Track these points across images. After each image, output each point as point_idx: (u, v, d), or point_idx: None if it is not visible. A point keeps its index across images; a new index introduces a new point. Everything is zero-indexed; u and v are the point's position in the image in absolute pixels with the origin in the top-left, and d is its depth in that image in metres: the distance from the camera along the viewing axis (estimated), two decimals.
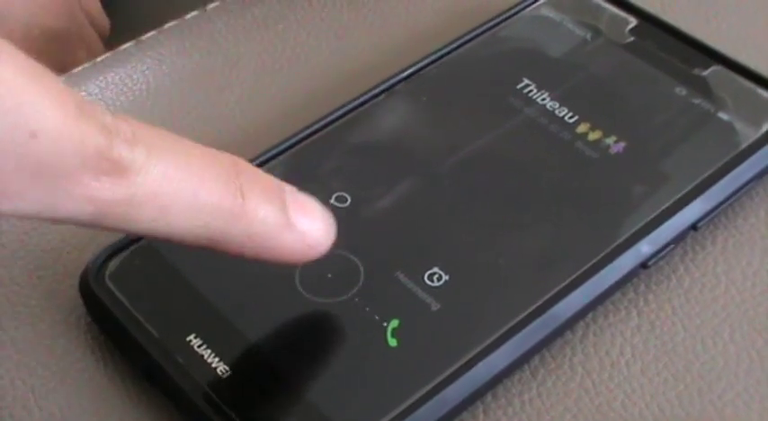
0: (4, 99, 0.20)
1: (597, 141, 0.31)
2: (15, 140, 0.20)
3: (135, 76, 0.36)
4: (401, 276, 0.28)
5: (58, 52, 0.50)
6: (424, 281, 0.28)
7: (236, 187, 0.24)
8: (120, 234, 0.30)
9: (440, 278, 0.28)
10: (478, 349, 0.26)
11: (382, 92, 0.33)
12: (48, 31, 0.49)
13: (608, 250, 0.28)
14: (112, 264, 0.29)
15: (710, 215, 0.30)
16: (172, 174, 0.22)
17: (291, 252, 0.25)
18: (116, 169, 0.21)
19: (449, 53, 0.34)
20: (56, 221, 0.22)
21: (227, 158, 0.24)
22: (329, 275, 0.28)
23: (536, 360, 0.28)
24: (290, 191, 0.25)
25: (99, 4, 0.54)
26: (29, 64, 0.21)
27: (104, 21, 0.54)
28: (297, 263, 0.25)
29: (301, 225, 0.25)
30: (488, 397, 0.27)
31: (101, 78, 0.36)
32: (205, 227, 0.23)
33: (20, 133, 0.20)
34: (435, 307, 0.27)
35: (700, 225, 0.30)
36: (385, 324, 0.27)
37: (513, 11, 0.35)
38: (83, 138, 0.21)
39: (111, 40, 0.53)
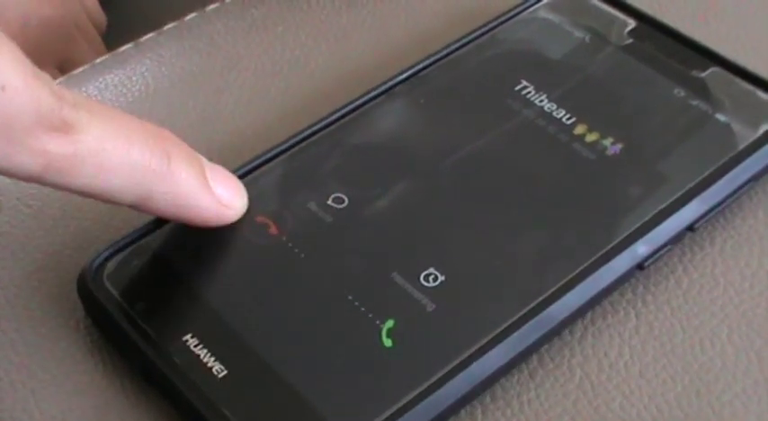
0: None
1: (594, 143, 0.31)
2: None
3: (134, 78, 0.36)
4: (397, 277, 0.28)
5: (57, 43, 0.50)
6: (419, 281, 0.28)
7: (162, 150, 0.27)
8: (115, 234, 0.30)
9: (435, 279, 0.28)
10: (473, 350, 0.26)
11: (381, 94, 0.33)
12: (46, 21, 0.49)
13: (603, 251, 0.28)
14: (110, 265, 0.29)
15: (707, 216, 0.30)
16: (109, 135, 0.26)
17: (209, 212, 0.28)
18: (64, 126, 0.25)
19: (447, 55, 0.34)
20: (5, 173, 0.25)
21: (152, 127, 0.27)
22: (326, 275, 0.28)
23: (534, 361, 0.28)
24: (205, 160, 0.29)
25: (96, 0, 0.54)
26: None
27: (101, 17, 0.54)
28: (214, 223, 0.29)
29: (217, 187, 0.28)
30: (487, 398, 0.27)
31: (100, 80, 0.36)
32: (136, 184, 0.26)
33: None
34: (431, 307, 0.27)
35: (697, 226, 0.30)
36: (380, 324, 0.27)
37: (511, 13, 0.35)
38: (39, 96, 0.24)
39: (110, 42, 0.53)
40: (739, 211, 0.31)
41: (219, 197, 0.28)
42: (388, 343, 0.27)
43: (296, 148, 0.32)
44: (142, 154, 0.26)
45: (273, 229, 0.30)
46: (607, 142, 0.31)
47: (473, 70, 0.34)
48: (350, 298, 0.28)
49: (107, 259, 0.29)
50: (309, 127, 0.32)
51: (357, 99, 0.33)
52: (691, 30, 0.34)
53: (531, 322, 0.27)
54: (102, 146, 0.25)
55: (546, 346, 0.28)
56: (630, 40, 0.34)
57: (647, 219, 0.29)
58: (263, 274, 0.29)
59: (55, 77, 0.36)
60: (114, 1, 0.56)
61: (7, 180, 0.32)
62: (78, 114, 0.25)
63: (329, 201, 0.30)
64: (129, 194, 0.27)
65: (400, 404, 0.25)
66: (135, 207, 0.27)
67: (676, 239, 0.30)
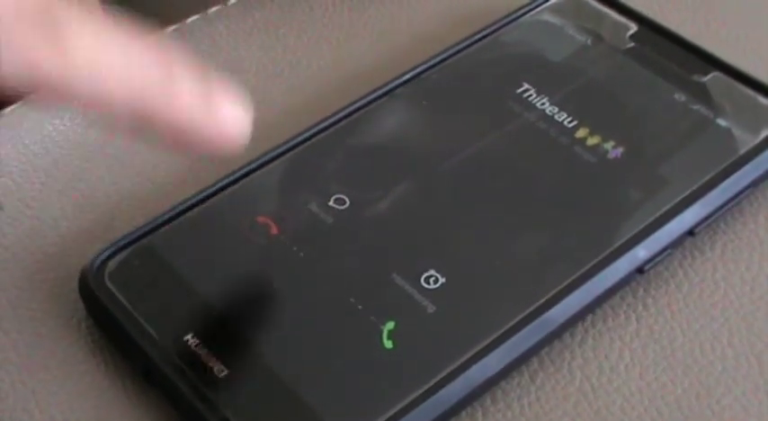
0: None
1: (595, 146, 0.31)
2: None
3: None
4: (397, 278, 0.28)
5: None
6: (420, 283, 0.28)
7: (163, 62, 0.25)
8: (116, 233, 0.30)
9: (436, 281, 0.28)
10: (474, 352, 0.26)
11: (382, 95, 0.33)
12: None
13: (604, 254, 0.28)
14: (112, 264, 0.29)
15: (708, 220, 0.30)
16: (105, 44, 0.24)
17: (210, 131, 0.25)
18: (53, 25, 0.23)
19: (449, 57, 0.34)
20: None
21: (154, 39, 0.25)
22: (326, 277, 0.29)
23: (535, 364, 0.28)
24: (209, 78, 0.26)
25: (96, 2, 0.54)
26: None
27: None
28: (214, 148, 0.26)
29: (219, 106, 0.26)
30: (487, 400, 0.27)
31: None
32: (139, 99, 0.24)
33: None
34: (431, 309, 0.28)
35: (697, 230, 0.30)
36: (381, 326, 0.27)
37: (514, 15, 0.35)
38: None
39: None
40: (740, 216, 0.31)
41: (224, 116, 0.26)
42: (388, 344, 0.27)
43: (297, 149, 0.32)
44: (143, 63, 0.24)
45: (274, 230, 0.30)
46: (608, 146, 0.31)
47: (475, 72, 0.34)
48: (351, 299, 0.28)
49: (108, 258, 0.29)
50: (311, 128, 0.32)
51: (359, 100, 0.33)
52: (692, 34, 0.34)
53: (532, 325, 0.27)
54: (99, 53, 0.24)
55: (546, 349, 0.28)
56: (632, 44, 0.34)
57: (647, 222, 0.29)
58: (264, 275, 0.29)
59: None
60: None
61: (8, 181, 0.32)
62: (69, 15, 0.23)
63: (330, 202, 0.30)
64: (132, 109, 0.24)
65: (401, 406, 0.25)
66: (138, 124, 0.25)
67: (677, 243, 0.30)
